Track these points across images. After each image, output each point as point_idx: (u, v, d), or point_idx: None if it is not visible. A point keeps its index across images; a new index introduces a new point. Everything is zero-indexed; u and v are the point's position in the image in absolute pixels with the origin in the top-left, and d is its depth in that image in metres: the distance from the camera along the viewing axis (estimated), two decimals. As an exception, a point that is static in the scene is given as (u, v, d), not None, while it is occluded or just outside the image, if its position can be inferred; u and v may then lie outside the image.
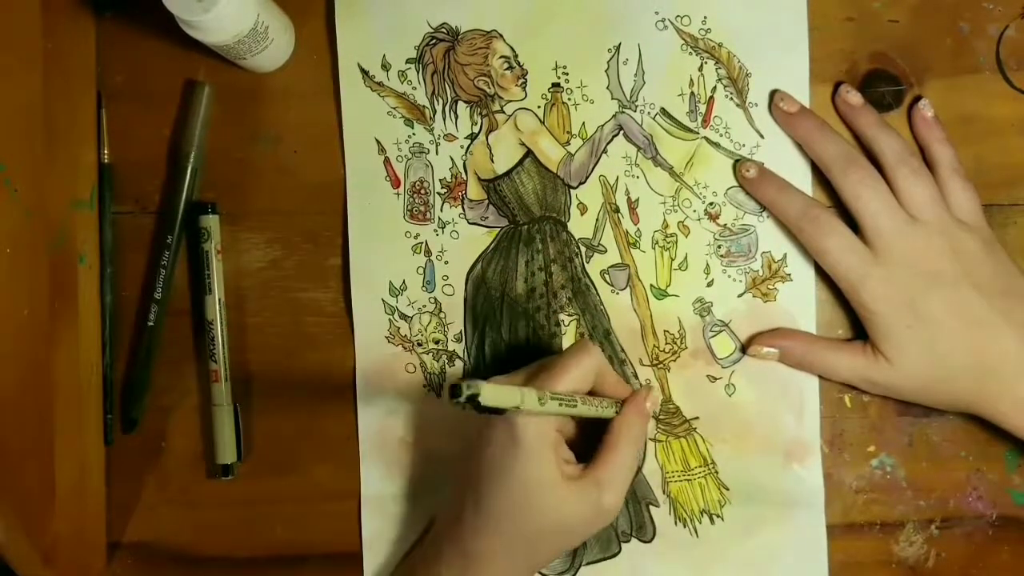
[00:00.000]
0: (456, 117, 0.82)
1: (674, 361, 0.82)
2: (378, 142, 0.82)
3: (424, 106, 0.82)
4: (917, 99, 0.81)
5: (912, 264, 0.76)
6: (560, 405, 0.69)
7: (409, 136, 0.82)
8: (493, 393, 0.64)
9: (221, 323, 0.82)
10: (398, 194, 0.82)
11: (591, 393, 0.74)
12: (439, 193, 0.82)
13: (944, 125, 0.80)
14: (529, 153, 0.82)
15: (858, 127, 0.81)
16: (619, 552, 0.82)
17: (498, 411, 0.65)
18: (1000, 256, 0.78)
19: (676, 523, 0.82)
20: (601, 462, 0.73)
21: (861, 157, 0.79)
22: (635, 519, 0.82)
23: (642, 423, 0.75)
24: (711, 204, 0.82)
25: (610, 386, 0.76)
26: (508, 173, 0.82)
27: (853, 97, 0.81)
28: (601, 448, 0.73)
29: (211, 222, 0.81)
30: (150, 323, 0.82)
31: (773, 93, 0.81)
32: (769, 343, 0.81)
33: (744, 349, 0.81)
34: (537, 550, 0.73)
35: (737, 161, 0.82)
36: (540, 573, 0.82)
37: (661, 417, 0.82)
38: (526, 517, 0.71)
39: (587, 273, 0.82)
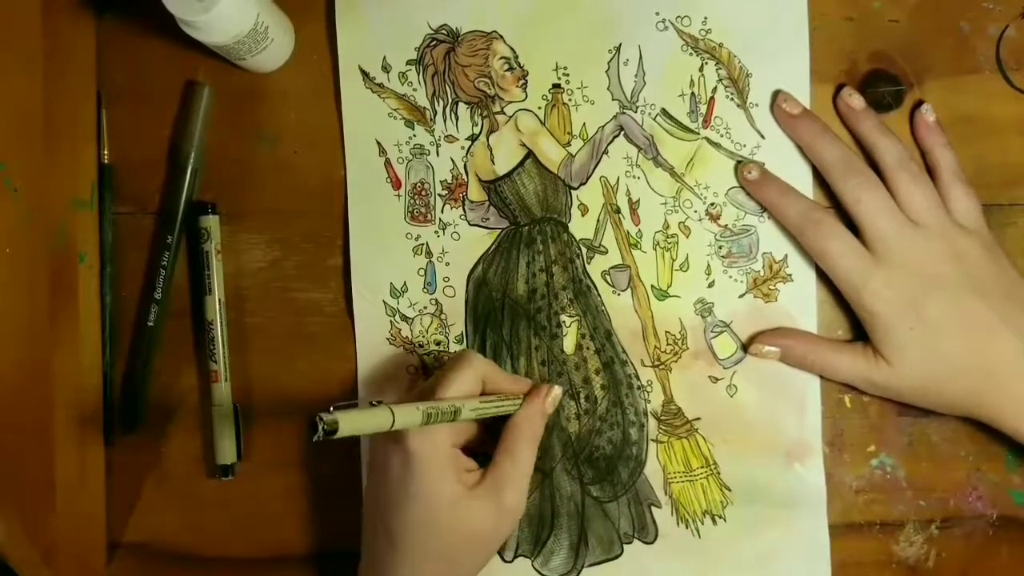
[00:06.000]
0: (457, 118, 0.82)
1: (675, 362, 0.82)
2: (379, 144, 0.82)
3: (425, 107, 0.82)
4: (919, 103, 0.81)
5: (913, 267, 0.77)
6: (444, 413, 0.69)
7: (410, 137, 0.82)
8: (355, 422, 0.64)
9: (221, 323, 0.82)
10: (399, 196, 0.82)
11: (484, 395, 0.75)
12: (440, 194, 0.82)
13: (945, 130, 0.80)
14: (530, 154, 0.82)
15: (859, 131, 0.81)
16: (621, 554, 0.82)
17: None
18: (1001, 260, 0.78)
19: (678, 524, 0.82)
20: (498, 464, 0.74)
21: (861, 162, 0.79)
22: (637, 520, 0.82)
23: (539, 420, 0.76)
24: (712, 205, 0.82)
25: (503, 387, 0.76)
26: (509, 174, 0.82)
27: (855, 100, 0.80)
28: (498, 448, 0.75)
29: (211, 222, 0.81)
30: (150, 323, 0.82)
31: (776, 94, 0.81)
32: (770, 342, 0.81)
33: (745, 349, 0.81)
34: (459, 566, 0.74)
35: (739, 162, 0.82)
36: (540, 574, 0.82)
37: (663, 418, 0.82)
38: (437, 537, 0.71)
39: (588, 274, 0.82)
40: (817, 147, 0.80)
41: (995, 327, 0.76)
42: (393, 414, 0.66)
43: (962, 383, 0.77)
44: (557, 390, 0.77)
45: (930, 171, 0.80)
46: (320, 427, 0.62)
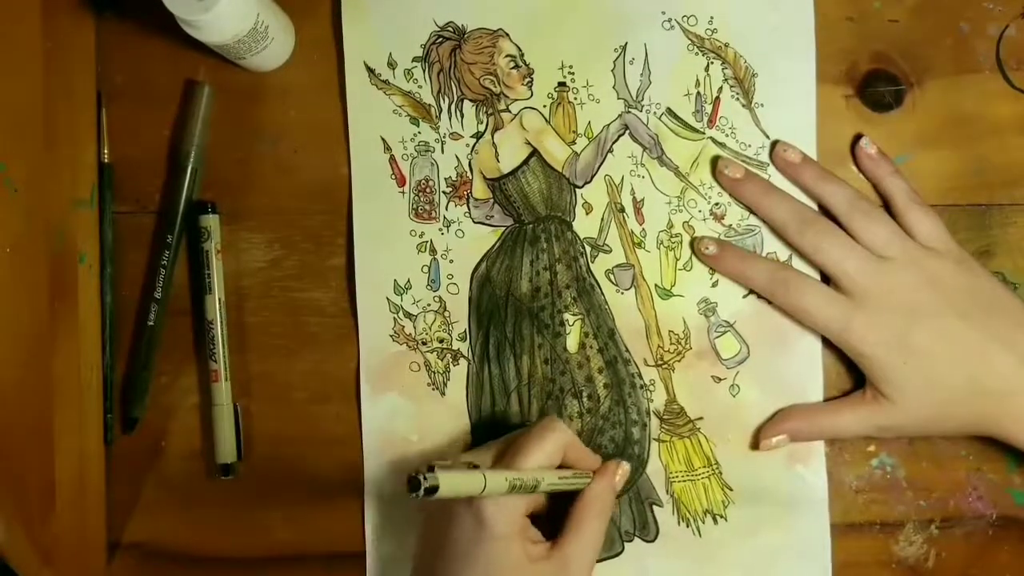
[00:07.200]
0: (462, 116, 0.82)
1: (678, 361, 0.82)
2: (383, 140, 0.82)
3: (430, 105, 0.82)
4: (858, 137, 0.81)
5: (890, 302, 0.77)
6: (527, 486, 0.69)
7: (415, 135, 0.82)
8: (453, 483, 0.63)
9: (221, 323, 0.81)
10: (403, 193, 0.82)
11: (561, 467, 0.74)
12: (444, 192, 0.82)
13: (891, 159, 0.81)
14: (535, 152, 0.82)
15: (802, 182, 0.81)
16: (622, 551, 0.82)
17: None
18: (976, 273, 0.78)
19: (679, 523, 0.82)
20: (567, 539, 0.72)
21: (812, 212, 0.80)
22: (638, 519, 0.82)
23: (610, 496, 0.76)
24: (716, 204, 0.82)
25: (579, 459, 0.76)
26: (514, 172, 0.82)
27: (791, 154, 0.80)
28: (567, 523, 0.73)
29: (211, 222, 0.81)
30: (150, 323, 0.82)
31: (716, 159, 0.82)
32: (775, 432, 0.80)
33: (748, 350, 0.81)
34: None
35: (694, 239, 0.82)
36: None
37: (665, 417, 0.82)
38: None
39: (592, 272, 0.82)
40: (765, 206, 0.80)
41: (984, 346, 0.76)
42: (485, 482, 0.65)
43: (965, 407, 0.77)
44: (625, 466, 0.77)
45: (884, 202, 0.80)
46: (423, 486, 0.61)
